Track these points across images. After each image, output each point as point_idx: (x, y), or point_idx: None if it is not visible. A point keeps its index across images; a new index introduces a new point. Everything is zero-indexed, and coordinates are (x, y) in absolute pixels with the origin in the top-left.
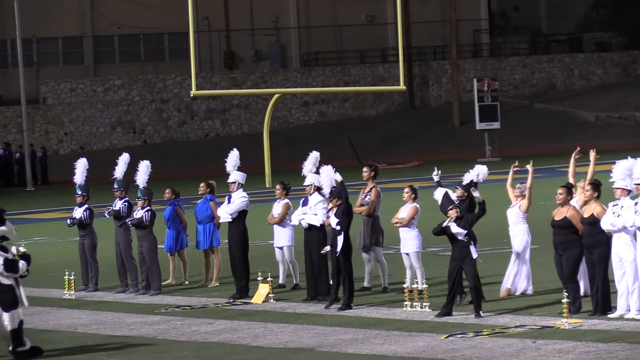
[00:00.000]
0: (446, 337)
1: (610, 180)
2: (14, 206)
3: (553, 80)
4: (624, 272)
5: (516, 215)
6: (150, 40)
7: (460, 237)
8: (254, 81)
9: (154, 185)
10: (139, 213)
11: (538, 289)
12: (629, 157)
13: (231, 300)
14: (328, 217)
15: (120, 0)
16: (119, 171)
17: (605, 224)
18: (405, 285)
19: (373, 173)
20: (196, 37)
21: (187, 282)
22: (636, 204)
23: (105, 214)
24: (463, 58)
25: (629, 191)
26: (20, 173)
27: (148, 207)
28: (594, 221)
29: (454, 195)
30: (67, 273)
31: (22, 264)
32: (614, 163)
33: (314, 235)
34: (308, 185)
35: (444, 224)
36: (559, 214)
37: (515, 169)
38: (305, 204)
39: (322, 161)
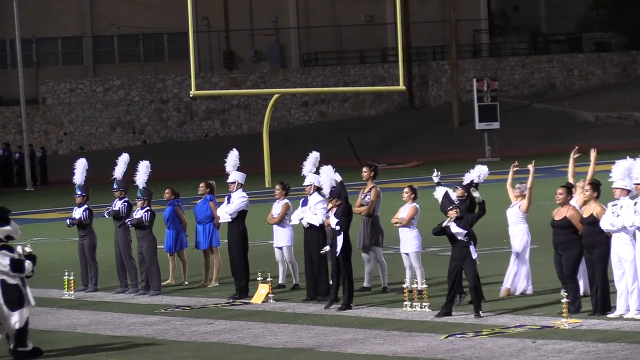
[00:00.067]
0: (446, 337)
1: (609, 180)
2: (13, 206)
3: (552, 80)
4: (623, 272)
5: (516, 215)
6: (149, 41)
7: (460, 237)
8: (253, 81)
9: (154, 185)
10: (138, 213)
11: (538, 289)
12: (628, 157)
13: (231, 301)
14: (328, 217)
15: (120, 0)
16: (119, 171)
17: (605, 224)
18: (405, 285)
19: (373, 173)
20: (196, 37)
21: (186, 283)
22: (635, 203)
23: (105, 214)
24: (463, 58)
25: (629, 191)
26: (19, 173)
27: (147, 208)
28: (593, 221)
29: (454, 195)
30: (66, 273)
31: (28, 264)
32: (614, 163)
33: (314, 236)
34: (308, 186)
35: (444, 224)
36: (559, 214)
37: (515, 169)
38: (305, 204)
39: (322, 161)
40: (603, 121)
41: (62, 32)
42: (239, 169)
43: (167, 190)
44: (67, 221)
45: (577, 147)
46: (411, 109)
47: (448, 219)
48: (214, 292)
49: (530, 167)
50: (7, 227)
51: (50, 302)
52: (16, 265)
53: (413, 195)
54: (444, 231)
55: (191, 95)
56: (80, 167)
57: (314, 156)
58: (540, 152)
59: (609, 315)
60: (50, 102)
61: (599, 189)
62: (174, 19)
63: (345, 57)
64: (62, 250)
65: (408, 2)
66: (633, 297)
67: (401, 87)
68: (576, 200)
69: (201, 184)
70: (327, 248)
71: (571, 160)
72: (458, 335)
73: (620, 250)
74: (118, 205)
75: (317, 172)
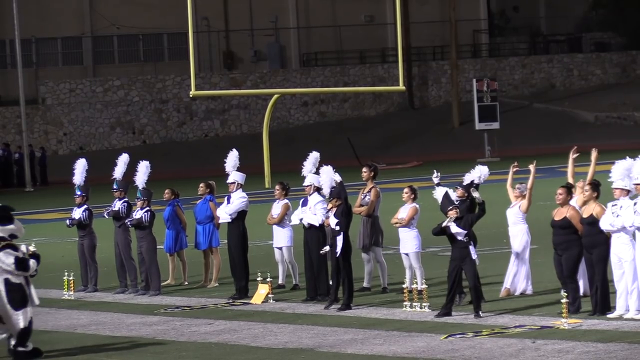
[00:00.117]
0: (446, 338)
1: (609, 180)
2: (13, 207)
3: (552, 81)
4: (623, 272)
5: (516, 216)
6: (149, 41)
7: (459, 237)
8: (253, 81)
9: (153, 185)
10: (138, 213)
11: (537, 289)
12: (628, 157)
13: (230, 301)
14: (327, 218)
15: (120, 0)
16: (118, 172)
17: (605, 224)
18: (404, 286)
19: (372, 173)
20: (195, 38)
21: (186, 283)
22: (635, 204)
23: (105, 215)
24: (462, 58)
25: (628, 191)
26: (19, 174)
27: (147, 208)
28: (593, 221)
29: (454, 195)
30: (66, 273)
31: (32, 262)
32: (613, 163)
33: (314, 236)
34: (308, 186)
35: (444, 224)
36: (559, 214)
37: (514, 169)
38: (304, 204)
39: (322, 161)
40: (603, 121)
41: (61, 32)
42: (238, 169)
43: (166, 191)
44: (67, 221)
45: (575, 147)
46: (411, 109)
47: (448, 219)
48: (214, 292)
49: (532, 167)
50: (11, 226)
51: (50, 302)
52: (21, 264)
53: (413, 196)
54: (443, 231)
55: (191, 96)
56: (80, 167)
57: (313, 156)
58: (540, 152)
59: (608, 316)
60: (50, 103)
61: (599, 189)
62: (174, 19)
63: (345, 57)
64: (62, 250)
65: (408, 2)
66: (633, 297)
67: (401, 87)
68: (576, 200)
69: (201, 184)
70: (327, 248)
71: (570, 161)
72: (458, 336)
73: (619, 251)
74: (118, 205)
75: (317, 173)
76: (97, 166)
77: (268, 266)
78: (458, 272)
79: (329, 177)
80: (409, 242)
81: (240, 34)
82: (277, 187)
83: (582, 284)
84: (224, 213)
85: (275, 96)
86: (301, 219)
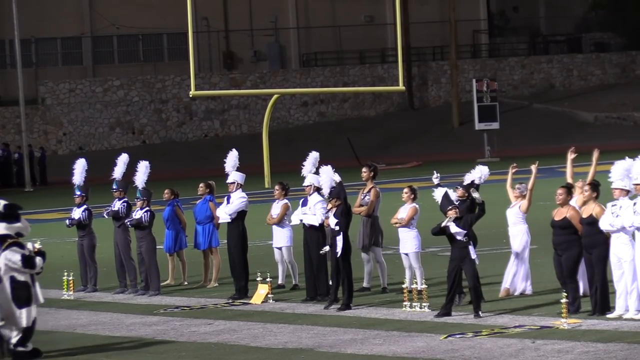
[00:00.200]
0: (445, 338)
1: (608, 181)
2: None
3: (552, 81)
4: (622, 272)
5: (516, 216)
6: (149, 41)
7: (459, 237)
8: (253, 81)
9: (153, 185)
10: (138, 214)
11: (537, 289)
12: (627, 157)
13: (230, 301)
14: (327, 218)
15: (119, 0)
16: (118, 172)
17: (604, 224)
18: (404, 286)
19: (372, 173)
20: (195, 38)
21: (186, 283)
22: (635, 204)
23: (104, 215)
24: (462, 58)
25: (628, 191)
26: (19, 174)
27: (147, 208)
28: (592, 221)
29: (454, 195)
30: (66, 274)
31: (38, 260)
32: (613, 163)
33: (313, 236)
34: (307, 186)
35: (443, 224)
36: (559, 214)
37: (513, 170)
38: (304, 204)
39: (322, 161)
40: (602, 121)
41: (61, 33)
42: (238, 169)
43: (166, 191)
44: (67, 221)
45: (573, 148)
46: (411, 110)
47: (447, 219)
48: (214, 292)
49: (533, 167)
50: (18, 224)
51: (50, 302)
52: (27, 262)
53: (413, 196)
54: (443, 231)
55: (191, 96)
56: (80, 167)
57: (313, 156)
58: (539, 153)
59: (608, 316)
60: (49, 103)
61: (598, 190)
62: (174, 19)
63: (345, 58)
64: (62, 250)
65: (408, 3)
66: (632, 298)
67: (401, 87)
68: (576, 200)
69: (201, 184)
70: (327, 248)
71: (569, 162)
72: (457, 336)
73: (619, 251)
74: (117, 205)
75: (316, 173)
76: (97, 166)
77: (268, 266)
78: (457, 272)
79: (328, 177)
80: (408, 242)
81: (240, 34)
82: (276, 187)
83: (582, 284)
84: (224, 213)
85: (275, 96)
86: (301, 220)
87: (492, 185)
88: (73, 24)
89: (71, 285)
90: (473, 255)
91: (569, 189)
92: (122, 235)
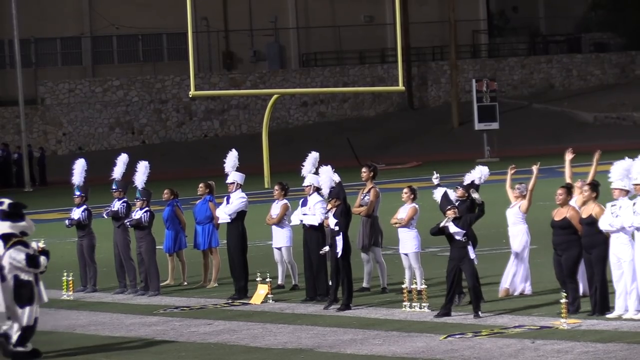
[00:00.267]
0: (445, 338)
1: (608, 181)
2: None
3: (551, 81)
4: (622, 272)
5: (516, 216)
6: (148, 41)
7: (458, 237)
8: (252, 81)
9: (153, 185)
10: (137, 214)
11: (537, 289)
12: (627, 157)
13: (230, 301)
14: (327, 218)
15: (119, 0)
16: (118, 172)
17: (604, 225)
18: (404, 286)
19: (372, 173)
20: (195, 38)
21: (185, 283)
22: (634, 204)
23: (104, 215)
24: (462, 58)
25: (627, 191)
26: (18, 174)
27: (147, 208)
28: (592, 221)
29: (453, 195)
30: (65, 274)
31: (42, 259)
32: (612, 164)
33: (313, 236)
34: (307, 186)
35: (442, 224)
36: (559, 214)
37: (512, 171)
38: (304, 204)
39: (321, 161)
40: (602, 121)
41: (61, 33)
42: (238, 170)
43: (166, 191)
44: (66, 222)
45: (570, 149)
46: (410, 110)
47: (446, 219)
48: (213, 292)
49: (535, 168)
50: (22, 223)
51: (50, 302)
52: (32, 261)
53: (412, 196)
54: (441, 231)
55: (190, 96)
56: (79, 167)
57: (313, 156)
58: (539, 153)
59: (607, 316)
60: (49, 103)
61: (598, 190)
62: (173, 20)
63: (345, 58)
64: (61, 250)
65: (407, 3)
66: (632, 298)
67: (400, 87)
68: (575, 200)
69: (200, 185)
70: (327, 248)
71: (567, 163)
72: (457, 336)
73: (619, 251)
74: (117, 205)
75: (316, 173)
76: (97, 166)
77: (267, 266)
78: (457, 272)
79: (328, 177)
80: (408, 242)
81: (240, 34)
82: (276, 187)
83: (582, 284)
84: (224, 213)
85: (275, 96)
86: (301, 220)
87: (491, 185)
88: (73, 24)
89: (71, 285)
90: (472, 255)
91: (569, 189)
92: (122, 235)
